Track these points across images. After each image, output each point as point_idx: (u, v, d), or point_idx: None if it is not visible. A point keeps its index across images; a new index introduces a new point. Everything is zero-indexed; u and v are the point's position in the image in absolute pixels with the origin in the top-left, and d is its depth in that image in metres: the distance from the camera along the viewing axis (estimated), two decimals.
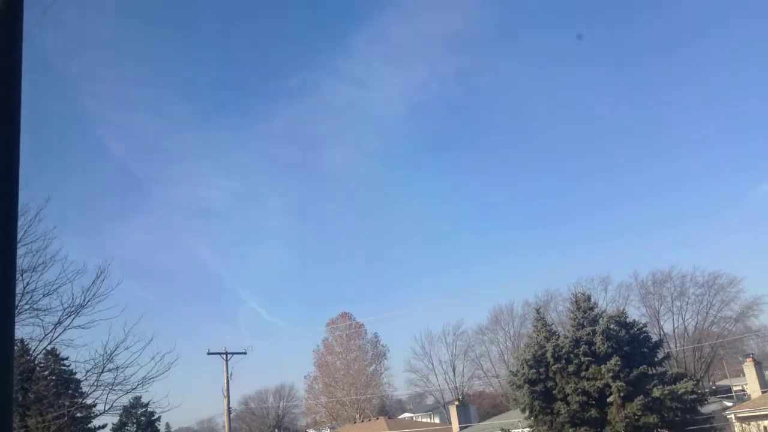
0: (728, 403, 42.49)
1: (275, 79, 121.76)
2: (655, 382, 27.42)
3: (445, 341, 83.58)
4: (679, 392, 26.87)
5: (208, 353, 45.31)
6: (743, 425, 34.02)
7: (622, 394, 27.04)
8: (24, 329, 15.94)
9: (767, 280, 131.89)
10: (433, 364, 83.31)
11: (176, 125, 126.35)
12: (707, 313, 66.30)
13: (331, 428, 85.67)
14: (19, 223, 14.71)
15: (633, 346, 28.87)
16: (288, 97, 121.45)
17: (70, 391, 32.68)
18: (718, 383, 71.86)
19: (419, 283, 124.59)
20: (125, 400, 20.45)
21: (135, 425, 69.51)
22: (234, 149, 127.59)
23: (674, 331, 67.44)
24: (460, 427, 47.27)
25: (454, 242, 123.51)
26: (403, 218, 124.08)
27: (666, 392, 26.47)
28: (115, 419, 60.34)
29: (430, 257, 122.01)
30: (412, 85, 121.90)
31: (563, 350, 28.64)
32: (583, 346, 28.37)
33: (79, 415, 21.41)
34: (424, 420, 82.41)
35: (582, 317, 30.26)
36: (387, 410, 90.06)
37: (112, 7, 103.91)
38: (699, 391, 30.70)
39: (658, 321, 66.95)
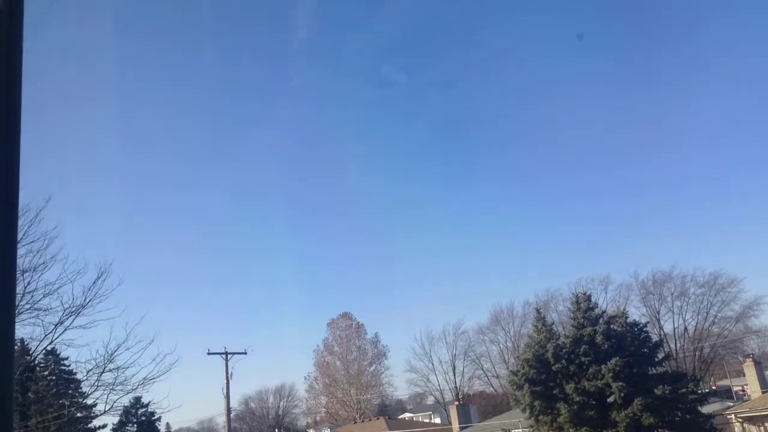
0: (729, 403, 42.53)
1: (278, 80, 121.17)
2: (655, 382, 27.42)
3: (445, 341, 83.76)
4: (680, 392, 26.89)
5: (208, 353, 45.41)
6: (744, 425, 34.04)
7: (622, 394, 27.05)
8: (24, 329, 15.99)
9: (767, 280, 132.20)
10: (433, 364, 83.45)
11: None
12: (707, 313, 66.44)
13: (331, 428, 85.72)
14: (20, 223, 14.73)
15: (634, 346, 28.85)
16: (289, 93, 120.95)
17: (70, 391, 32.73)
18: (718, 383, 71.85)
19: (420, 283, 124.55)
20: (126, 400, 20.49)
21: (135, 425, 69.63)
22: (235, 143, 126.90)
23: (674, 331, 67.55)
24: (460, 427, 47.28)
25: (454, 242, 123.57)
26: (404, 218, 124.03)
27: (666, 392, 26.47)
28: (116, 419, 60.59)
29: (430, 257, 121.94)
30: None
31: (564, 350, 28.65)
32: (584, 346, 28.37)
33: (79, 415, 21.41)
34: (425, 420, 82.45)
35: (582, 317, 30.25)
36: (387, 410, 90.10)
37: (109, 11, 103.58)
38: (699, 391, 30.69)
39: (658, 321, 67.07)
